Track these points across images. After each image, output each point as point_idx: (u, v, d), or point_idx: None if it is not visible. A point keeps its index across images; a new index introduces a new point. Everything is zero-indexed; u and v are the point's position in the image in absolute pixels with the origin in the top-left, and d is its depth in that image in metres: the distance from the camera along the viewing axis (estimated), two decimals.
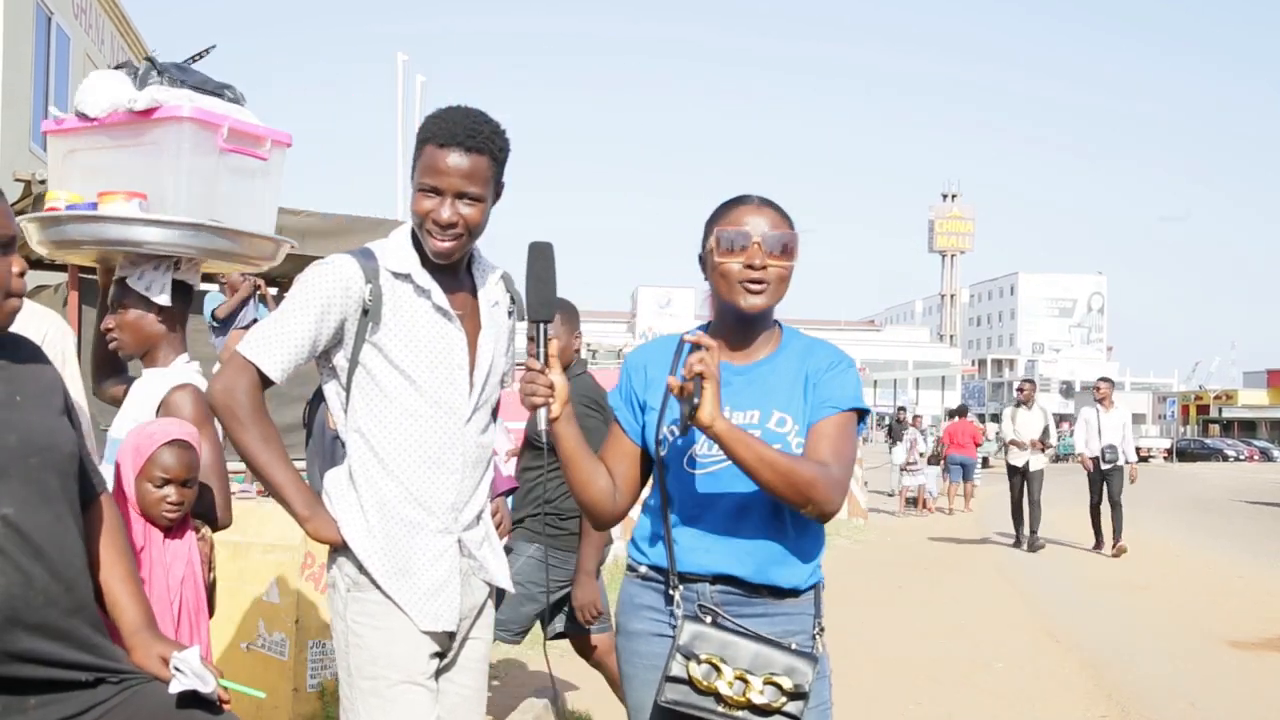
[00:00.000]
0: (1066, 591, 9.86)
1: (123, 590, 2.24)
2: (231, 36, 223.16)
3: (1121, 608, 9.02)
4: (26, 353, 2.17)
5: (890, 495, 20.78)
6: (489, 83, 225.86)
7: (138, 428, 2.74)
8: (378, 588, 2.40)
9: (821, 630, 2.40)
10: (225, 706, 2.17)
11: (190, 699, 2.11)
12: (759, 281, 2.32)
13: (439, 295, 2.45)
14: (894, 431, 22.00)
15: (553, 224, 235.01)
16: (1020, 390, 14.11)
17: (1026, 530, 13.46)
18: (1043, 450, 13.57)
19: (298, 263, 8.66)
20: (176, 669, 2.12)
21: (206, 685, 2.12)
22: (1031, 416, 13.69)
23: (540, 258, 2.32)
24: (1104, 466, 12.80)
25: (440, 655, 2.48)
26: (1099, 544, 13.01)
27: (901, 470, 19.36)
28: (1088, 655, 7.21)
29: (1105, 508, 12.83)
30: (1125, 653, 7.28)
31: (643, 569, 2.43)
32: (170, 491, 2.65)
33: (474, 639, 2.58)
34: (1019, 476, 13.53)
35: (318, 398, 2.83)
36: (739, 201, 2.39)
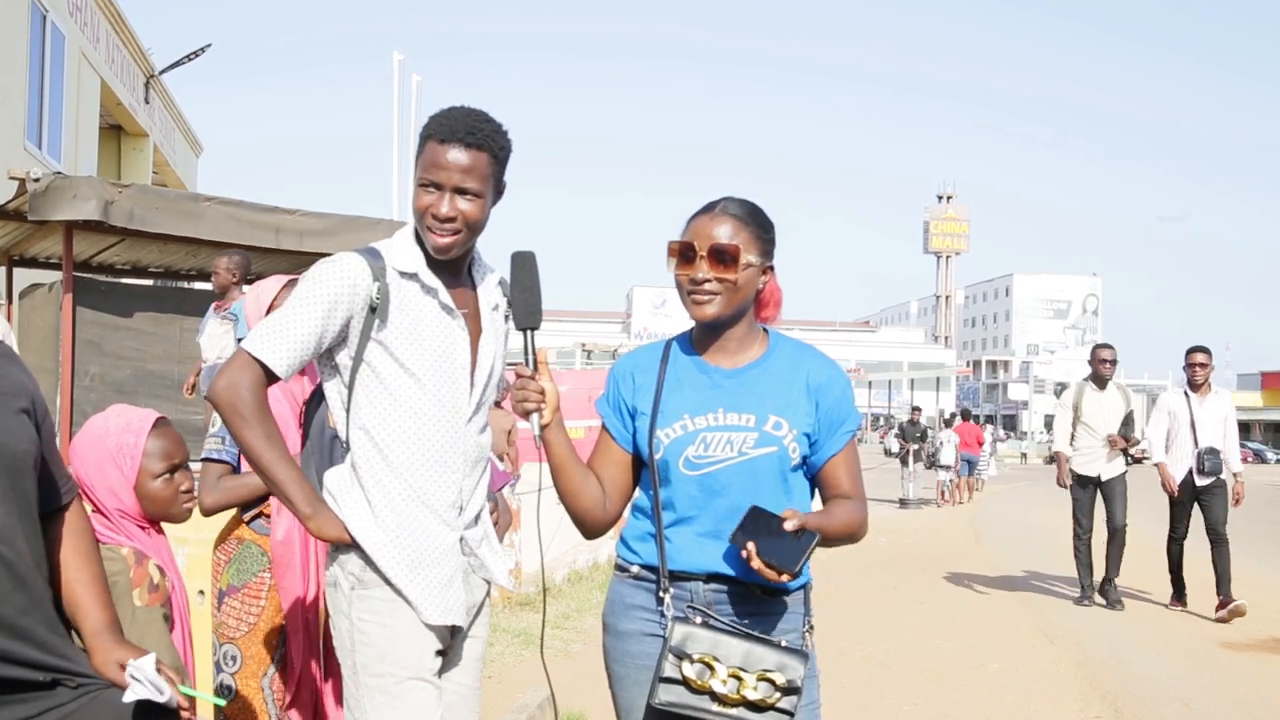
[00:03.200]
0: (1061, 593, 9.86)
1: (85, 593, 2.21)
2: (227, 35, 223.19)
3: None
4: None
5: (896, 502, 21.00)
6: (485, 82, 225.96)
7: (97, 433, 2.54)
8: (386, 583, 2.40)
9: (811, 629, 2.44)
10: (185, 715, 2.15)
11: (148, 706, 2.08)
12: (705, 292, 2.37)
13: (445, 294, 2.46)
14: (905, 433, 21.62)
15: (549, 223, 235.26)
16: (1101, 361, 9.20)
17: (1094, 575, 9.11)
18: (1125, 450, 9.04)
19: (293, 260, 8.68)
20: (132, 677, 2.09)
21: (161, 695, 2.09)
22: (1108, 400, 9.09)
23: (524, 267, 2.38)
24: (1200, 482, 8.57)
25: (443, 653, 2.48)
26: (1180, 598, 8.94)
27: (938, 468, 21.03)
28: (1082, 656, 7.22)
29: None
30: (1120, 653, 7.29)
31: (634, 569, 2.46)
32: (182, 478, 2.54)
33: (472, 637, 2.59)
34: (1089, 490, 9.12)
35: (315, 397, 2.82)
36: (702, 210, 2.44)
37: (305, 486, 2.40)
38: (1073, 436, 9.15)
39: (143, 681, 2.08)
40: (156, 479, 2.50)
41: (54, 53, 13.77)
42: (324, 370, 2.51)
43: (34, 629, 2.04)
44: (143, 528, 2.52)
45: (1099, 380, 9.18)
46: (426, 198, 2.39)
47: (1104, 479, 9.01)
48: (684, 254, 2.39)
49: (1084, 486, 9.12)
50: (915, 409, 23.40)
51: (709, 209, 2.43)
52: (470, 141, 2.37)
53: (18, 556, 2.03)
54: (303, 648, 3.21)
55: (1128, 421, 9.04)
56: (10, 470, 2.06)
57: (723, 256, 2.35)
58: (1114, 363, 9.25)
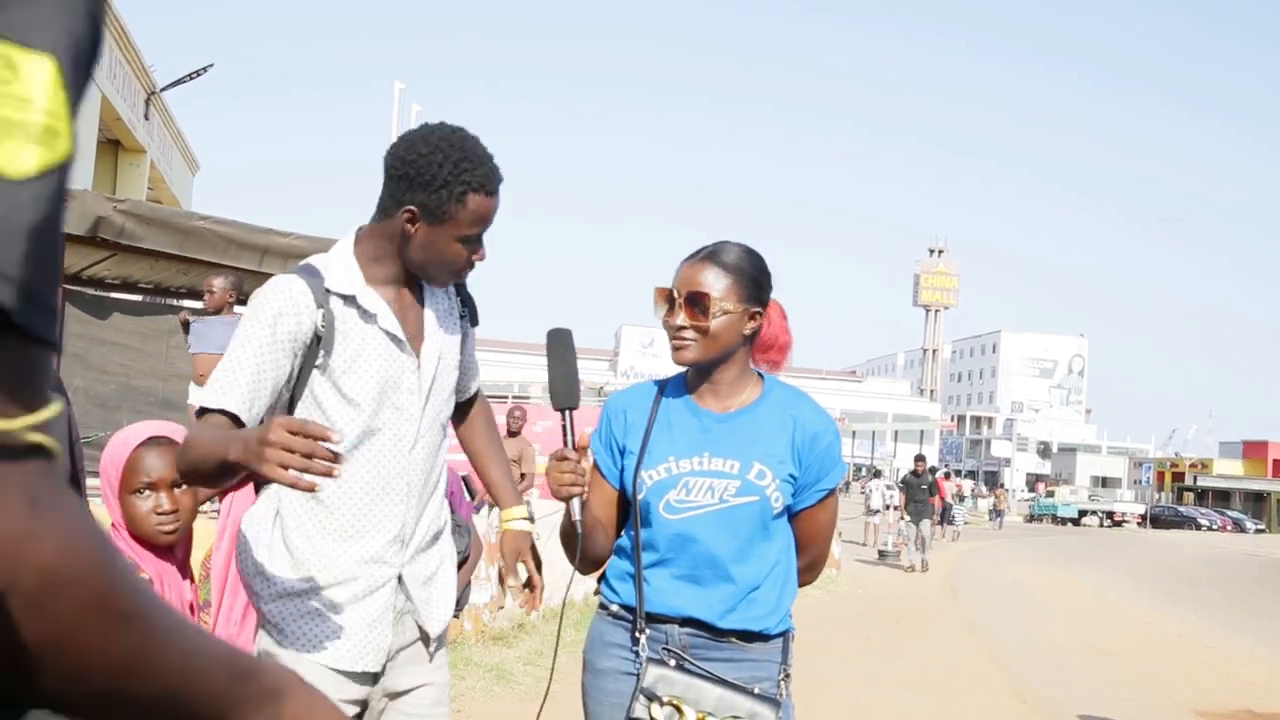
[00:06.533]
0: (1035, 652, 9.85)
1: None
2: (230, 57, 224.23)
3: (1089, 670, 9.01)
4: None
5: (865, 546, 20.98)
6: (483, 113, 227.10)
7: (109, 442, 2.46)
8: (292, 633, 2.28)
9: (787, 677, 2.43)
10: None
11: None
12: (683, 338, 2.38)
13: (387, 318, 2.33)
14: (910, 488, 20.02)
15: (540, 255, 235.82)
16: None
17: None
18: None
19: None
20: None
21: None
22: None
23: (561, 344, 2.34)
24: None
25: (361, 704, 2.33)
26: None
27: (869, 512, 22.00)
28: (1053, 717, 7.20)
29: None
30: (1092, 716, 7.27)
31: (614, 607, 2.46)
32: (163, 499, 2.36)
33: (428, 684, 2.43)
34: None
35: None
36: (689, 256, 2.44)
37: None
38: None
39: None
40: (131, 493, 2.37)
41: None
42: None
43: None
44: (149, 548, 2.38)
45: None
46: (465, 248, 2.29)
47: None
48: (667, 300, 2.41)
49: None
50: (919, 459, 20.83)
51: (695, 255, 2.42)
52: (498, 188, 2.29)
53: None
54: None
55: None
56: None
57: (695, 303, 2.36)
58: None
